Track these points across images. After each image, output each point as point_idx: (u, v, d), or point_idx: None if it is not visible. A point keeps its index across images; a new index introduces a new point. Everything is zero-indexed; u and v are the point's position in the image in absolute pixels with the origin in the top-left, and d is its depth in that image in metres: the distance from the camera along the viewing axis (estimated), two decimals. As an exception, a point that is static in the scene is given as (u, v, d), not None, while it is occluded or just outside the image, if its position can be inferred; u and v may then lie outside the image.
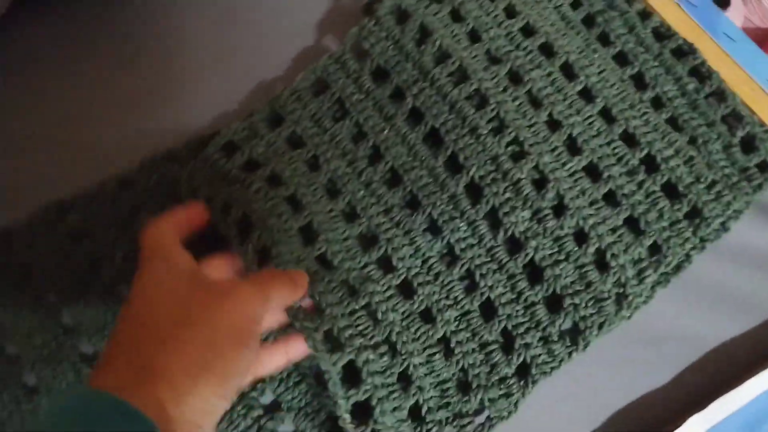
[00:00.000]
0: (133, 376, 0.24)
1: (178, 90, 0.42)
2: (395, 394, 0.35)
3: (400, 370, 0.35)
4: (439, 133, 0.40)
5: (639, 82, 0.44)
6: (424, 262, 0.38)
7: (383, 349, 0.35)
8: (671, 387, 0.39)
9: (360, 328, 0.35)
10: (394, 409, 0.34)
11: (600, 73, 0.44)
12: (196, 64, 0.43)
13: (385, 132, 0.40)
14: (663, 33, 0.46)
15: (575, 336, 0.37)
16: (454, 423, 0.35)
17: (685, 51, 0.45)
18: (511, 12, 0.45)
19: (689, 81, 0.44)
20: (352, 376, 0.34)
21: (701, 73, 0.44)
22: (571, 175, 0.40)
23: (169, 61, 0.43)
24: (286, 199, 0.37)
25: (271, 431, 0.35)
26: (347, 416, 0.33)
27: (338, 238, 0.37)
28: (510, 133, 0.40)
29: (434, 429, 0.35)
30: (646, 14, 0.46)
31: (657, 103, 0.43)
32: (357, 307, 0.35)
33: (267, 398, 0.36)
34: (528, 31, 0.45)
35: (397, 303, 0.36)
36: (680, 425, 0.37)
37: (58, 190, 0.38)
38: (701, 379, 0.39)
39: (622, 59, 0.45)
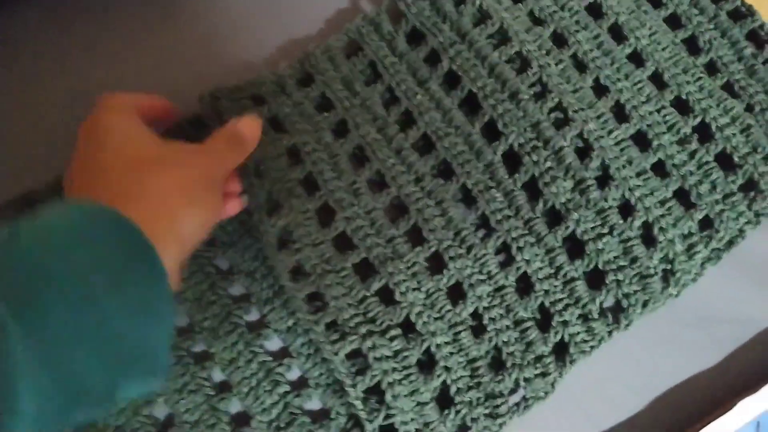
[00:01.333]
0: (122, 193, 0.26)
1: (209, 49, 0.42)
2: (412, 377, 0.34)
3: (421, 351, 0.34)
4: (477, 98, 0.39)
5: (692, 46, 0.42)
6: (456, 234, 0.36)
7: (395, 332, 0.34)
8: (722, 369, 0.37)
9: (369, 315, 0.34)
10: (413, 392, 0.34)
11: (651, 35, 0.41)
12: (227, 22, 0.42)
13: (419, 96, 0.39)
14: (718, -7, 0.43)
15: (617, 314, 0.36)
16: (486, 404, 0.34)
17: (742, 13, 0.43)
18: (557, -29, 0.43)
19: (746, 45, 0.41)
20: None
21: (760, 37, 0.42)
22: (617, 144, 0.38)
23: (199, 20, 0.43)
24: (302, 180, 0.37)
25: (298, 407, 0.35)
26: (358, 402, 0.33)
27: (360, 212, 0.36)
28: (553, 98, 0.38)
29: (464, 410, 0.34)
30: None
31: (711, 69, 0.41)
32: (368, 294, 0.35)
33: (293, 374, 0.36)
34: (575, -11, 0.42)
35: (422, 280, 0.35)
36: (731, 408, 0.35)
37: None
38: (753, 361, 0.37)
39: (674, 21, 0.42)
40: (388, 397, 0.33)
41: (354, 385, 0.33)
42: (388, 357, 0.34)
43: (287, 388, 0.35)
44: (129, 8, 0.42)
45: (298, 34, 0.42)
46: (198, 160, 0.30)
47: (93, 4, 0.42)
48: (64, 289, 0.22)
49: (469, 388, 0.34)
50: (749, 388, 0.36)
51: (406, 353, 0.34)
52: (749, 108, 0.40)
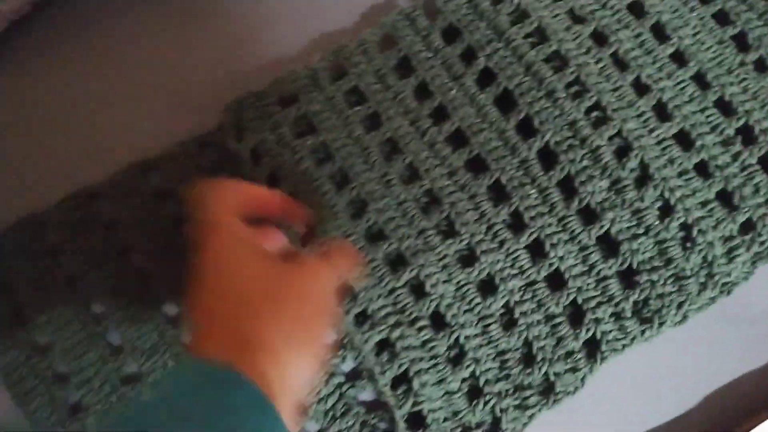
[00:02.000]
0: (234, 347, 0.25)
1: (243, 43, 0.43)
2: (440, 367, 0.34)
3: (450, 342, 0.35)
4: (512, 96, 0.39)
5: (741, 43, 0.41)
6: (488, 228, 0.36)
7: (423, 323, 0.35)
8: None
9: (398, 306, 0.35)
10: (440, 381, 0.34)
11: (695, 35, 0.41)
12: (261, 17, 0.43)
13: (453, 92, 0.39)
14: (769, -10, 0.42)
15: (651, 313, 0.35)
16: (516, 395, 0.34)
17: None
18: (598, -32, 0.43)
19: None
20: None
21: None
22: (658, 143, 0.37)
23: (232, 15, 0.43)
24: (333, 175, 0.38)
25: (353, 398, 0.35)
26: (386, 390, 0.34)
27: (392, 204, 0.37)
28: (591, 97, 0.38)
29: (493, 401, 0.34)
30: None
31: (760, 66, 0.40)
32: (398, 285, 0.35)
33: (348, 366, 0.36)
34: (617, -13, 0.42)
35: (453, 272, 0.36)
36: None
37: (134, 153, 0.40)
38: None
39: (722, 18, 0.41)
40: (415, 385, 0.34)
41: (383, 372, 0.34)
42: (415, 347, 0.34)
43: (342, 379, 0.35)
44: (157, 6, 0.43)
45: (333, 29, 0.43)
46: (320, 279, 0.29)
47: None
48: None
49: (498, 379, 0.35)
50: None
51: (434, 343, 0.35)
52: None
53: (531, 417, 0.34)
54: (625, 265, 0.35)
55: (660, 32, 0.41)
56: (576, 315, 0.36)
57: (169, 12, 0.43)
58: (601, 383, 0.35)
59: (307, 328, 0.27)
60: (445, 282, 0.35)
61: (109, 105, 0.41)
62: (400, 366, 0.34)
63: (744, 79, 0.39)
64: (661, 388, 0.37)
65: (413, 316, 0.35)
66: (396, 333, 0.34)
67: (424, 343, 0.35)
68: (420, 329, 0.35)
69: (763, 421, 0.35)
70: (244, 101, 0.40)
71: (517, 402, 0.34)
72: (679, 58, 0.40)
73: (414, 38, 0.41)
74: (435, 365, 0.34)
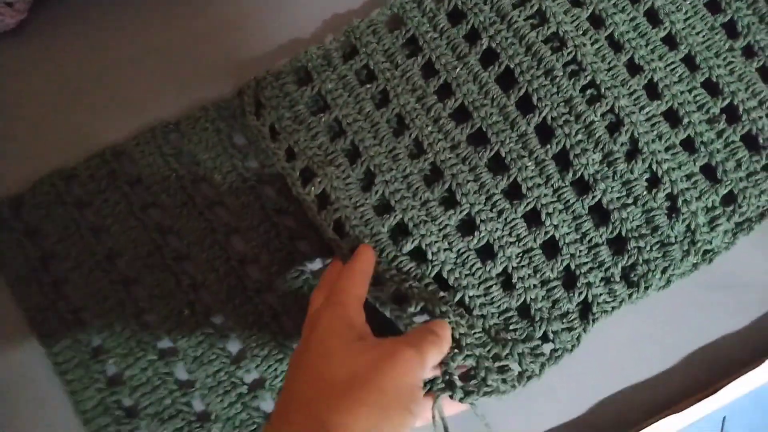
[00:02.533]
0: (308, 429, 0.26)
1: (261, 24, 0.45)
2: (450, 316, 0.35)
3: (456, 300, 0.37)
4: (513, 74, 0.41)
5: (731, 30, 0.44)
6: (488, 198, 0.39)
7: (428, 281, 0.37)
8: (749, 332, 0.40)
9: (403, 269, 0.37)
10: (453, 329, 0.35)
11: (687, 20, 0.44)
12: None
13: (458, 70, 0.42)
14: (759, -19, 0.45)
15: (637, 278, 0.38)
16: (525, 344, 0.36)
17: None
18: (597, -45, 0.45)
19: None
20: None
21: None
22: (648, 120, 0.40)
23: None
24: (345, 149, 0.40)
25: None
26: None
27: (399, 176, 0.39)
28: (586, 76, 0.41)
29: (508, 346, 0.35)
30: None
31: (749, 52, 0.43)
32: (399, 254, 0.37)
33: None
34: (615, -26, 0.45)
35: (453, 241, 0.38)
36: (757, 367, 0.38)
37: (156, 116, 0.43)
38: None
39: (714, 6, 0.44)
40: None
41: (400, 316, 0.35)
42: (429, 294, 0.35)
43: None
44: None
45: (345, 9, 0.46)
46: (404, 366, 0.28)
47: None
48: None
49: (505, 330, 0.37)
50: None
51: (443, 294, 0.36)
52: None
53: (542, 367, 0.36)
54: (615, 233, 0.38)
55: (654, 16, 0.44)
56: (569, 279, 0.38)
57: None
58: (590, 342, 0.38)
59: (388, 419, 0.27)
60: (446, 250, 0.38)
61: (136, 71, 0.44)
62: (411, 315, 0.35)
63: (731, 62, 0.42)
64: (645, 347, 0.40)
65: (419, 275, 0.37)
66: (406, 285, 0.36)
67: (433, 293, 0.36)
68: (427, 285, 0.36)
69: (741, 376, 0.38)
70: (261, 81, 0.42)
71: (528, 350, 0.36)
72: (670, 41, 0.43)
73: (421, 19, 0.44)
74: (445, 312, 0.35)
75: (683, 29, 0.43)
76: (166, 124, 0.42)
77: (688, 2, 0.44)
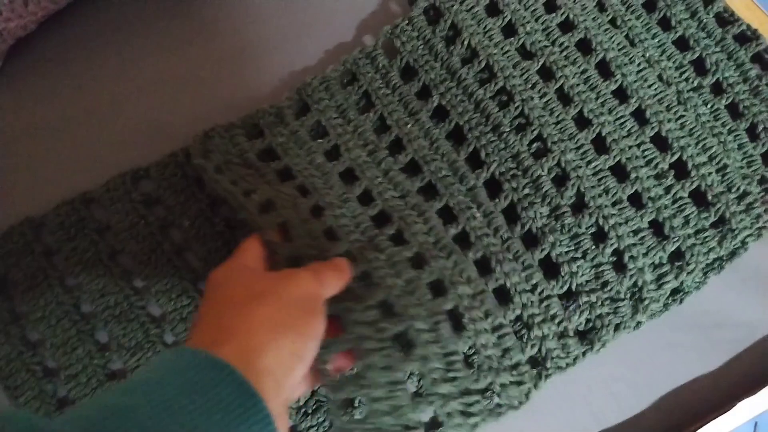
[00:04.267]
0: (216, 335, 0.28)
1: (213, 85, 0.47)
2: (389, 356, 0.34)
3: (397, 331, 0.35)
4: (463, 130, 0.42)
5: (699, 67, 0.45)
6: (437, 240, 0.39)
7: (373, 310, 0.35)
8: (721, 372, 0.41)
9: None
10: (387, 368, 0.34)
11: (639, 71, 0.44)
12: (231, 56, 0.48)
13: (409, 126, 0.43)
14: (726, 18, 0.47)
15: (591, 334, 0.38)
16: (461, 399, 0.36)
17: (748, 36, 0.46)
18: (551, 6, 0.47)
19: (751, 67, 0.45)
20: None
21: (764, 59, 0.46)
22: (595, 174, 0.41)
23: (203, 58, 0.48)
24: (296, 188, 0.40)
25: (323, 396, 0.38)
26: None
27: (347, 214, 0.40)
28: (533, 130, 0.42)
29: (438, 402, 0.35)
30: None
31: (717, 89, 0.45)
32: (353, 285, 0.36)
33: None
34: (567, 25, 0.46)
35: (402, 276, 0.37)
36: (729, 410, 0.38)
37: (130, 161, 0.44)
38: (752, 366, 0.40)
39: (682, 44, 0.46)
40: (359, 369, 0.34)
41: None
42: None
43: None
44: (138, 34, 0.48)
45: (298, 67, 0.47)
46: (299, 282, 0.31)
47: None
48: None
49: (444, 380, 0.36)
50: (748, 390, 0.39)
51: (384, 326, 0.35)
52: (753, 127, 0.43)
53: (474, 426, 0.35)
54: (566, 287, 0.39)
55: (605, 68, 0.45)
56: (523, 329, 0.38)
57: (153, 43, 0.48)
58: (560, 383, 0.38)
59: (289, 316, 0.29)
60: (396, 279, 0.37)
61: (105, 121, 0.46)
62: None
63: (682, 116, 0.43)
64: (617, 388, 0.40)
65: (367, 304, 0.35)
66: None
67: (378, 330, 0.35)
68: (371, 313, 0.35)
69: (713, 420, 0.38)
70: (210, 131, 0.43)
71: (461, 407, 0.35)
72: (621, 93, 0.44)
73: (374, 75, 0.45)
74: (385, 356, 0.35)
75: (635, 82, 0.44)
76: (137, 170, 0.43)
77: (638, 50, 0.45)
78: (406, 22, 0.46)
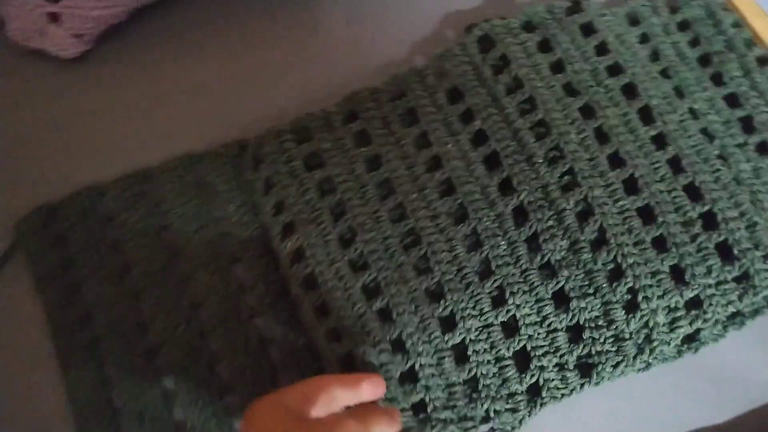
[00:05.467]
0: None
1: (253, 82, 0.51)
2: (392, 389, 0.38)
3: (406, 366, 0.39)
4: (498, 157, 0.44)
5: (747, 125, 0.46)
6: (459, 270, 0.41)
7: (384, 346, 0.39)
8: (728, 427, 0.41)
9: (366, 328, 0.39)
10: (391, 400, 0.37)
11: (681, 122, 0.46)
12: (284, 65, 0.52)
13: (449, 146, 0.45)
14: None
15: (590, 369, 0.39)
16: (459, 425, 0.38)
17: None
18: (602, 49, 0.49)
19: None
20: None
21: None
22: (620, 213, 0.42)
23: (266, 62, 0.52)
24: (332, 206, 0.44)
25: None
26: None
27: (378, 237, 0.42)
28: (565, 164, 0.43)
29: (438, 426, 0.38)
30: (763, 60, 0.49)
31: (763, 149, 0.46)
32: (367, 311, 0.40)
33: None
34: (615, 69, 0.48)
35: (420, 305, 0.40)
36: None
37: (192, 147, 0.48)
38: (759, 425, 0.40)
39: (732, 101, 0.47)
40: None
41: None
42: (374, 365, 0.38)
43: None
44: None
45: (343, 80, 0.50)
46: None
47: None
48: None
49: (445, 407, 0.39)
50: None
51: (390, 366, 0.39)
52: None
53: None
54: (574, 321, 0.40)
55: (647, 115, 0.46)
56: (524, 360, 0.40)
57: (234, 41, 0.53)
58: (564, 422, 0.39)
59: None
60: (410, 313, 0.40)
61: (171, 107, 0.50)
62: None
63: (718, 170, 0.44)
64: (618, 426, 0.41)
65: (377, 339, 0.39)
66: (359, 350, 0.38)
67: (382, 365, 0.39)
68: (381, 351, 0.39)
69: None
70: (264, 137, 0.47)
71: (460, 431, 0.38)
72: (660, 140, 0.45)
73: (422, 93, 0.47)
74: (387, 388, 0.37)
75: (675, 131, 0.45)
76: (192, 155, 0.47)
77: (687, 105, 0.46)
78: (460, 47, 0.49)
